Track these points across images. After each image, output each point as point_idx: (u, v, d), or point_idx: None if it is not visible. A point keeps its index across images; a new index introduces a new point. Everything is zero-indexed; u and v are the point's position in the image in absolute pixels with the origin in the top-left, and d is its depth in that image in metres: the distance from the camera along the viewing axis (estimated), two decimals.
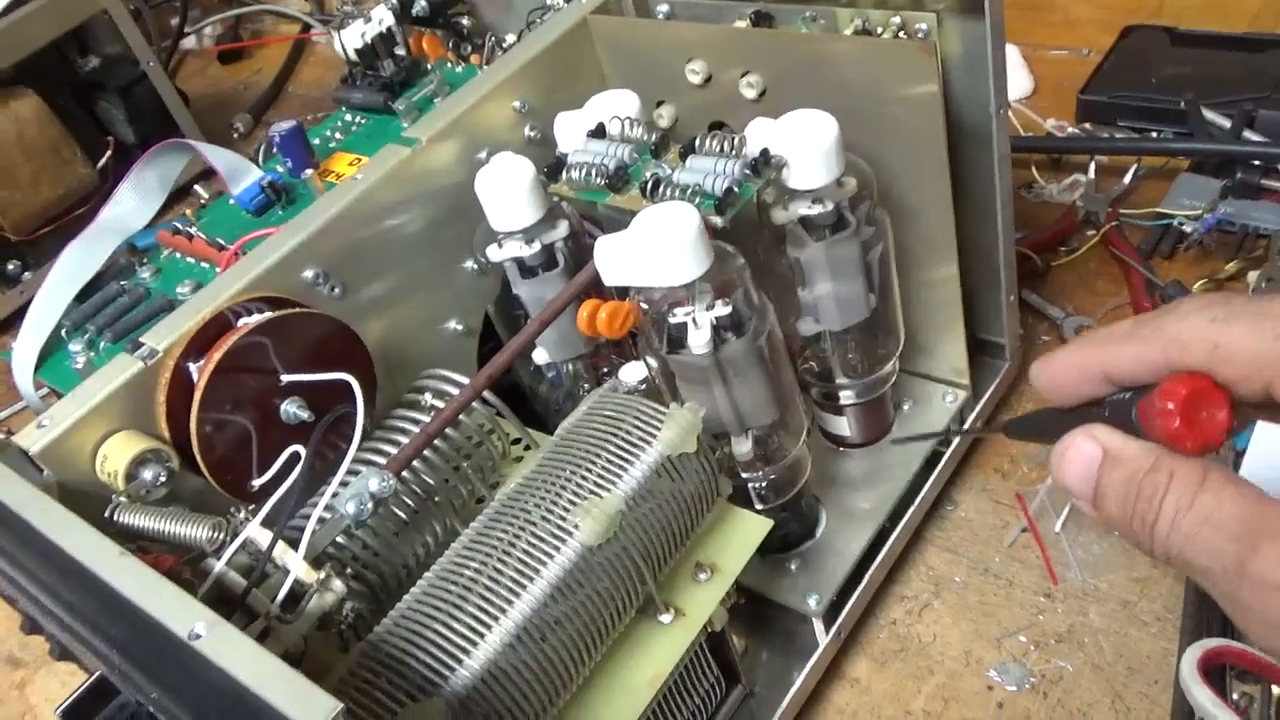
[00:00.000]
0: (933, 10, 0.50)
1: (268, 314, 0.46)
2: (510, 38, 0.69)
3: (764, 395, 0.50)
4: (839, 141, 0.48)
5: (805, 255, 0.52)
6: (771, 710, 0.52)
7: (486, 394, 0.48)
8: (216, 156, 0.66)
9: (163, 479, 0.44)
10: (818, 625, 0.54)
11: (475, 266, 0.56)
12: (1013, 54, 0.88)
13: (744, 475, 0.53)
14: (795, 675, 0.53)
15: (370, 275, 0.52)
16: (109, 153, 1.02)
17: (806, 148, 0.48)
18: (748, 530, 0.48)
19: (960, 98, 0.52)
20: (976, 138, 0.53)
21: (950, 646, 0.55)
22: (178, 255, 0.63)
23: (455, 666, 0.39)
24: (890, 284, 0.56)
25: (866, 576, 0.56)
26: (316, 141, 0.69)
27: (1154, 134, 0.79)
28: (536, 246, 0.52)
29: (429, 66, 0.72)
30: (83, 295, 0.60)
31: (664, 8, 0.59)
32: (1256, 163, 0.71)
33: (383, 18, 0.72)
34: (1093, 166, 0.78)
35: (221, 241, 0.61)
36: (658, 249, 0.44)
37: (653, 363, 0.49)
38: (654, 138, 0.50)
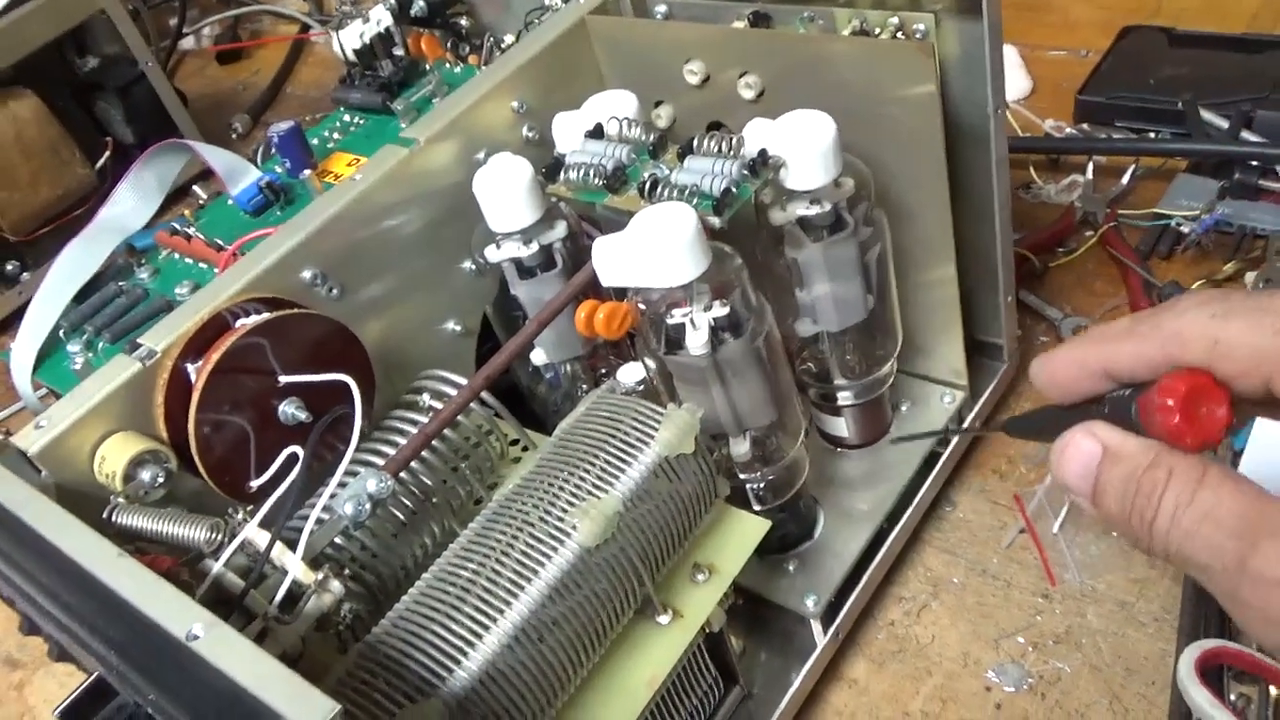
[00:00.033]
0: (930, 11, 0.50)
1: (266, 315, 0.46)
2: (508, 38, 0.69)
3: (762, 396, 0.50)
4: (837, 142, 0.48)
5: (803, 256, 0.52)
6: (770, 711, 0.52)
7: (484, 395, 0.48)
8: (215, 157, 0.66)
9: (161, 480, 0.44)
10: (816, 626, 0.54)
11: (473, 267, 0.56)
12: (1011, 54, 0.88)
13: (742, 476, 0.53)
14: (793, 676, 0.53)
15: (368, 276, 0.52)
16: (107, 153, 1.02)
17: (804, 148, 0.48)
18: (746, 531, 0.48)
19: (958, 98, 0.52)
20: (974, 138, 0.53)
21: (948, 647, 0.55)
22: (176, 256, 0.63)
23: (453, 667, 0.39)
24: (888, 285, 0.56)
25: (864, 577, 0.56)
26: (315, 142, 0.69)
27: (1152, 135, 0.79)
28: (534, 247, 0.52)
29: (427, 67, 0.72)
30: (81, 296, 0.60)
31: (662, 8, 0.59)
32: (1254, 163, 0.71)
33: (381, 18, 0.72)
34: (1090, 167, 0.78)
35: (220, 242, 0.61)
36: (655, 250, 0.45)
37: (650, 363, 0.49)
38: (652, 138, 0.50)
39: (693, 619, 0.45)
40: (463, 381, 0.49)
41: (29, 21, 0.94)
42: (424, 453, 0.47)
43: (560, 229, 0.52)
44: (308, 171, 0.64)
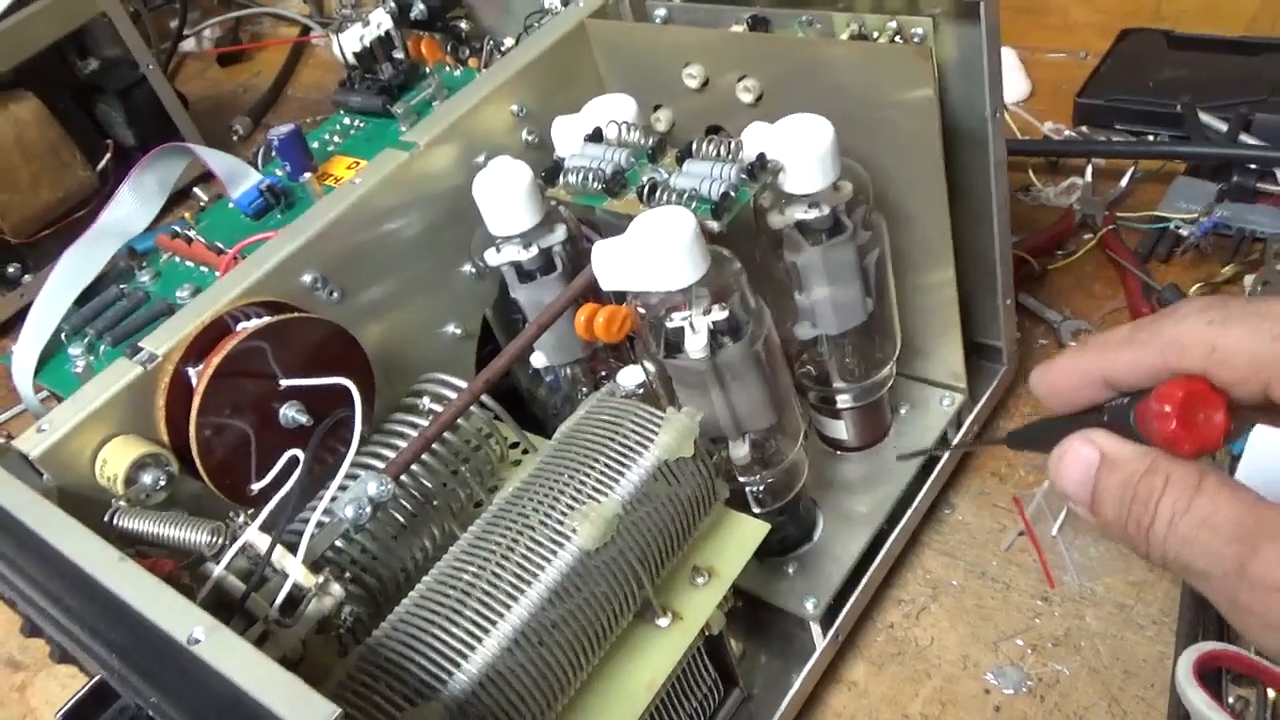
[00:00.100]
0: (929, 15, 0.50)
1: (266, 318, 0.46)
2: (508, 41, 0.69)
3: (761, 399, 0.50)
4: (835, 146, 0.48)
5: (802, 260, 0.52)
6: (769, 713, 0.52)
7: (485, 398, 0.48)
8: (215, 160, 0.66)
9: (162, 483, 0.44)
10: (815, 628, 0.54)
11: (473, 270, 0.56)
12: (1010, 57, 0.88)
13: (741, 479, 0.53)
14: (793, 678, 0.54)
15: (369, 279, 0.52)
16: (108, 155, 1.02)
17: (803, 152, 0.48)
18: (745, 534, 0.48)
19: (956, 102, 0.53)
20: (972, 141, 0.53)
21: (947, 650, 0.55)
22: (177, 259, 0.64)
23: (453, 670, 0.39)
24: (887, 288, 0.56)
25: (864, 580, 0.56)
26: (315, 145, 0.69)
27: (1151, 137, 0.79)
28: (534, 251, 0.52)
29: (427, 70, 0.72)
30: (82, 299, 0.60)
31: (661, 12, 0.60)
32: (1253, 166, 0.71)
33: (381, 21, 0.72)
34: (1089, 170, 0.78)
35: (220, 245, 0.61)
36: (654, 254, 0.45)
37: (650, 367, 0.49)
38: (651, 142, 0.50)
39: (692, 622, 0.45)
40: (463, 385, 0.49)
41: (30, 24, 0.94)
42: (424, 456, 0.47)
43: (560, 233, 0.52)
44: (308, 175, 0.64)
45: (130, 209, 0.65)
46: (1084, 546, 0.57)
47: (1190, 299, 0.31)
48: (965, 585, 0.58)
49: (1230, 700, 0.46)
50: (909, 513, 0.58)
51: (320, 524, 0.43)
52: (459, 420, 0.47)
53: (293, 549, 0.40)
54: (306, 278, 0.49)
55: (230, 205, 0.65)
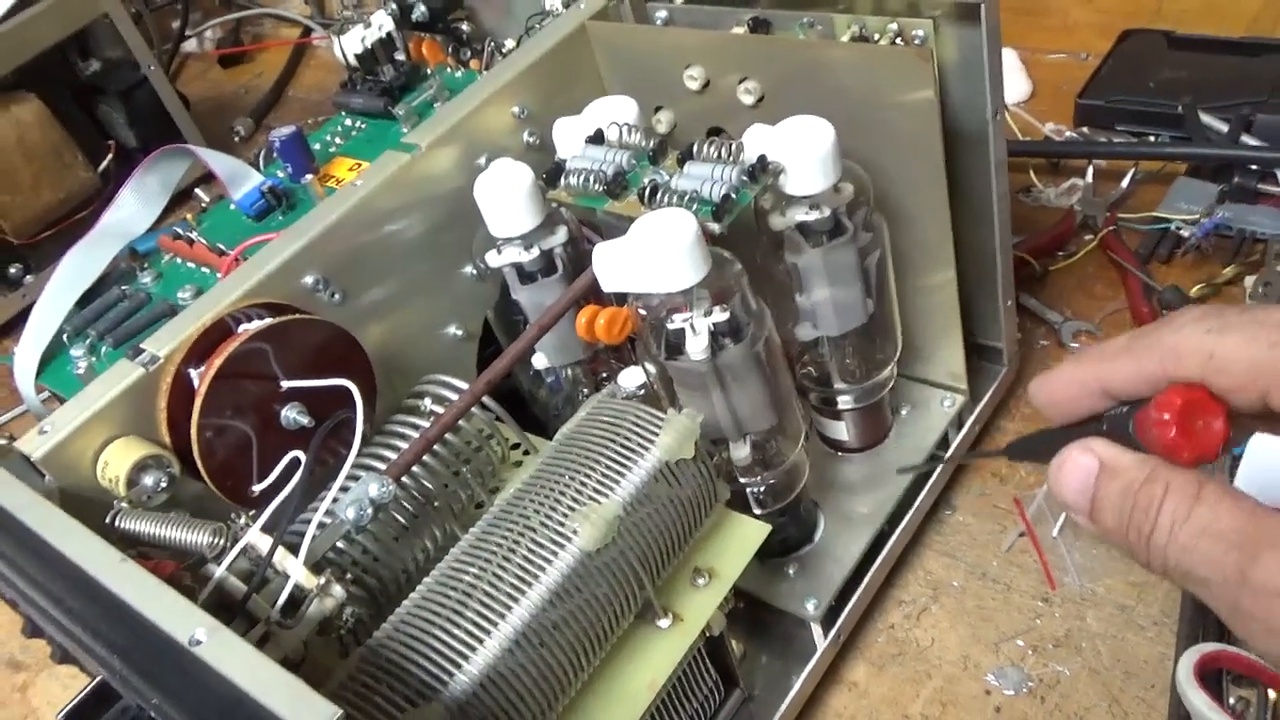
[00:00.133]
0: (929, 16, 0.50)
1: (268, 320, 0.46)
2: (509, 43, 0.69)
3: (762, 401, 0.50)
4: (836, 147, 0.48)
5: (803, 261, 0.52)
6: (770, 714, 0.52)
7: (486, 399, 0.48)
8: (217, 161, 0.66)
9: (164, 485, 0.44)
10: (816, 629, 0.54)
11: (474, 272, 0.56)
12: (1011, 58, 0.88)
13: (742, 480, 0.54)
14: (793, 679, 0.54)
15: (370, 281, 0.52)
16: (110, 156, 1.02)
17: (804, 154, 0.48)
18: (746, 535, 0.48)
19: (957, 103, 0.53)
20: (973, 143, 0.53)
21: (948, 651, 0.55)
22: (179, 260, 0.64)
23: (455, 671, 0.39)
24: (887, 289, 0.56)
25: (865, 581, 0.56)
26: (316, 147, 0.70)
27: (1152, 138, 0.79)
28: (535, 252, 0.52)
29: (429, 71, 0.72)
30: (84, 300, 0.61)
31: (662, 14, 0.60)
32: (1254, 167, 0.71)
33: (382, 23, 0.72)
34: (1090, 171, 0.78)
35: (222, 247, 0.61)
36: (655, 255, 0.45)
37: (651, 368, 0.49)
38: (652, 144, 0.50)
39: (693, 623, 0.46)
40: (464, 386, 0.49)
41: (32, 25, 0.94)
42: (425, 457, 0.47)
43: (561, 234, 0.52)
44: (309, 176, 0.65)
45: (132, 210, 0.65)
46: (1085, 547, 0.57)
47: (1187, 308, 0.31)
48: (966, 586, 0.58)
49: (1231, 701, 0.46)
50: (910, 514, 0.59)
51: (322, 525, 0.43)
52: (460, 421, 0.47)
53: (294, 550, 0.40)
54: (308, 279, 0.49)
55: (232, 207, 0.65)
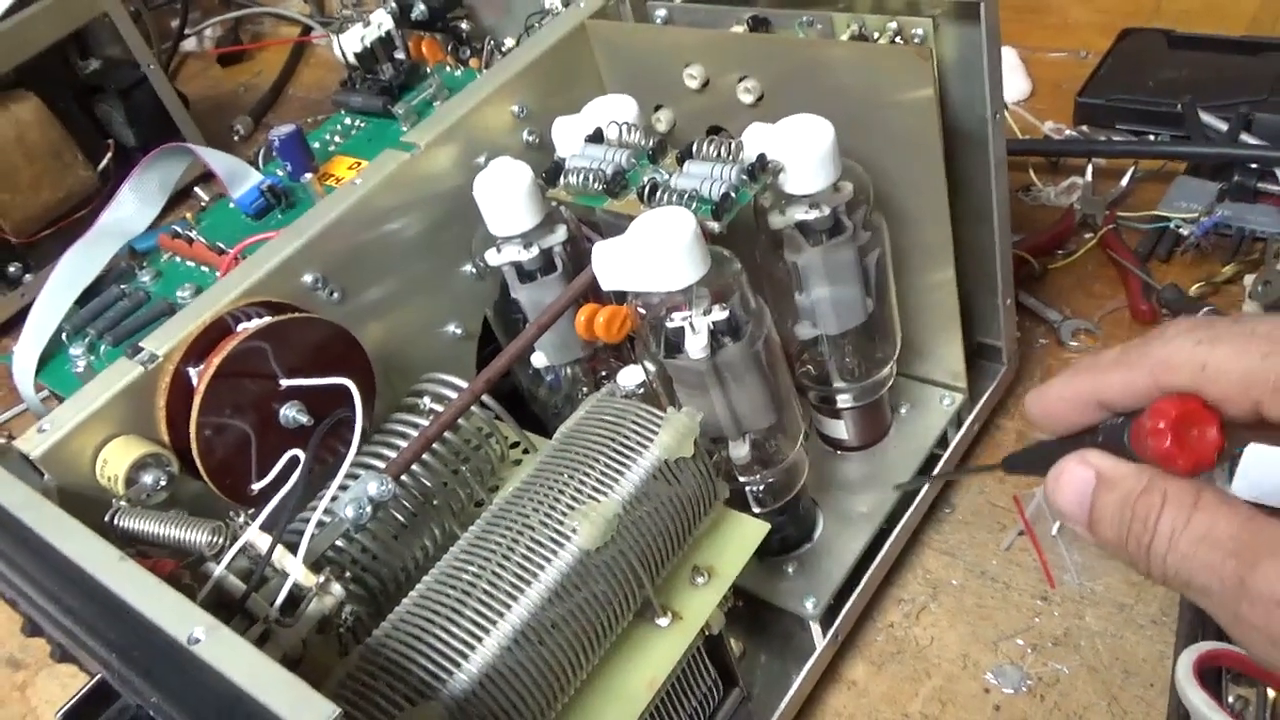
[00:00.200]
0: (929, 15, 0.50)
1: (267, 319, 0.46)
2: (509, 42, 0.69)
3: (761, 399, 0.50)
4: (835, 146, 0.48)
5: (802, 260, 0.52)
6: (769, 713, 0.53)
7: (485, 398, 0.48)
8: (216, 160, 0.66)
9: (163, 483, 0.44)
10: (815, 628, 0.54)
11: (474, 271, 0.56)
12: (1010, 56, 0.88)
13: (741, 479, 0.54)
14: (793, 678, 0.54)
15: (369, 280, 0.52)
16: (109, 155, 1.02)
17: (803, 153, 0.48)
18: (745, 533, 0.48)
19: (956, 102, 0.53)
20: (973, 142, 0.53)
21: (947, 649, 0.55)
22: (178, 259, 0.64)
23: (454, 670, 0.39)
24: (887, 288, 0.56)
25: (864, 579, 0.56)
26: (316, 145, 0.70)
27: (1151, 137, 0.79)
28: (535, 251, 0.52)
29: (428, 70, 0.72)
30: (83, 299, 0.61)
31: (662, 12, 0.60)
32: (1253, 166, 0.71)
33: (382, 21, 0.72)
34: (1090, 169, 0.78)
35: (221, 245, 0.61)
36: (655, 254, 0.45)
37: (650, 367, 0.49)
38: (651, 143, 0.50)
39: (692, 621, 0.46)
40: (463, 384, 0.49)
41: (32, 24, 0.94)
42: (425, 455, 0.47)
43: (560, 233, 0.52)
44: (309, 175, 0.65)
45: (131, 209, 0.65)
46: (1084, 546, 0.57)
47: (1177, 320, 0.31)
48: (965, 585, 0.58)
49: (1230, 700, 0.46)
50: (909, 512, 0.59)
51: (321, 524, 0.43)
52: (459, 420, 0.47)
53: (293, 549, 0.40)
54: (307, 278, 0.49)
55: (231, 205, 0.65)
